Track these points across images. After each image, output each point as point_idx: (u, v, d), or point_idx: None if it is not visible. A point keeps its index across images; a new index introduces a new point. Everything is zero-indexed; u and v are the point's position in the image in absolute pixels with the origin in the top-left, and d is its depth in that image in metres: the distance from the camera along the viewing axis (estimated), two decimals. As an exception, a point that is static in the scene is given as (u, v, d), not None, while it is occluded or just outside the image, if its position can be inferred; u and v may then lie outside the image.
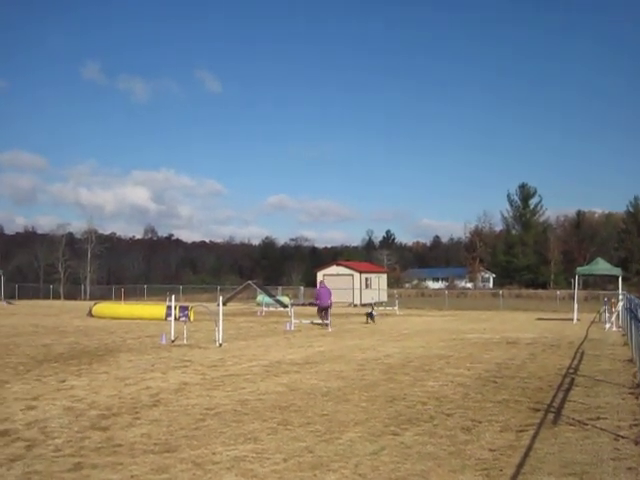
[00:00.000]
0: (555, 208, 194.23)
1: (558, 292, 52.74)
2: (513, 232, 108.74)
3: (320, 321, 27.41)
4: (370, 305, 36.73)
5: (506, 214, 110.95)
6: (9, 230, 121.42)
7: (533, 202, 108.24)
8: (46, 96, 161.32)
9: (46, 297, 64.96)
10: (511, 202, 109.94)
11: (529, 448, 7.05)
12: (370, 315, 29.88)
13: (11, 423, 8.22)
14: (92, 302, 40.85)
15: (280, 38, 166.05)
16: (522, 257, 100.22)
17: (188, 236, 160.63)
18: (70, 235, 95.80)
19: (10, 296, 56.49)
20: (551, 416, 8.74)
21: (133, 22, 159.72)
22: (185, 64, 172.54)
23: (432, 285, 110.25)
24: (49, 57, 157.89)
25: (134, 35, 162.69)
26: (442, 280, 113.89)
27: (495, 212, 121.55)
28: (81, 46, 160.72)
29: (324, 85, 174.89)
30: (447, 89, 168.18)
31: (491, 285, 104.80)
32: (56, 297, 67.48)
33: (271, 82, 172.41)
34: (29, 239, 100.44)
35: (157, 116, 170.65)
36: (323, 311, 27.19)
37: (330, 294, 27.53)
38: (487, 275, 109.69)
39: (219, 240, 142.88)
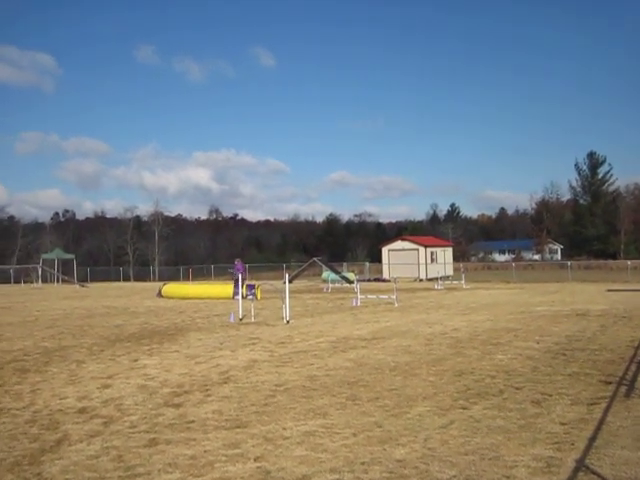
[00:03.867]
0: (626, 176, 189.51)
1: (629, 262, 51.45)
2: (581, 202, 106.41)
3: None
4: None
5: (574, 184, 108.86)
6: (80, 215, 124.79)
7: (602, 171, 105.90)
8: (104, 82, 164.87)
9: (116, 279, 66.50)
10: (579, 171, 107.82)
11: (601, 422, 6.93)
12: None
13: (89, 401, 8.47)
14: (161, 283, 41.68)
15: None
16: (591, 227, 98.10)
17: (252, 215, 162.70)
18: (137, 218, 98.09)
19: (82, 279, 58.08)
20: (623, 389, 8.56)
21: (182, 2, 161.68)
22: (238, 42, 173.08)
23: (498, 258, 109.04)
24: (103, 42, 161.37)
25: (184, 16, 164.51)
26: (509, 252, 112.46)
27: (562, 182, 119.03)
28: (134, 30, 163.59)
29: (381, 62, 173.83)
30: (509, 56, 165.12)
31: (559, 257, 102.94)
32: (126, 279, 69.11)
33: (325, 60, 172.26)
34: (99, 223, 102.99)
35: (214, 96, 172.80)
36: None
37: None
38: (555, 246, 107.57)
39: (283, 218, 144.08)
